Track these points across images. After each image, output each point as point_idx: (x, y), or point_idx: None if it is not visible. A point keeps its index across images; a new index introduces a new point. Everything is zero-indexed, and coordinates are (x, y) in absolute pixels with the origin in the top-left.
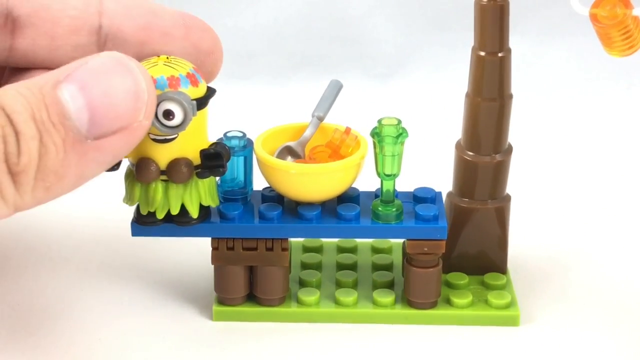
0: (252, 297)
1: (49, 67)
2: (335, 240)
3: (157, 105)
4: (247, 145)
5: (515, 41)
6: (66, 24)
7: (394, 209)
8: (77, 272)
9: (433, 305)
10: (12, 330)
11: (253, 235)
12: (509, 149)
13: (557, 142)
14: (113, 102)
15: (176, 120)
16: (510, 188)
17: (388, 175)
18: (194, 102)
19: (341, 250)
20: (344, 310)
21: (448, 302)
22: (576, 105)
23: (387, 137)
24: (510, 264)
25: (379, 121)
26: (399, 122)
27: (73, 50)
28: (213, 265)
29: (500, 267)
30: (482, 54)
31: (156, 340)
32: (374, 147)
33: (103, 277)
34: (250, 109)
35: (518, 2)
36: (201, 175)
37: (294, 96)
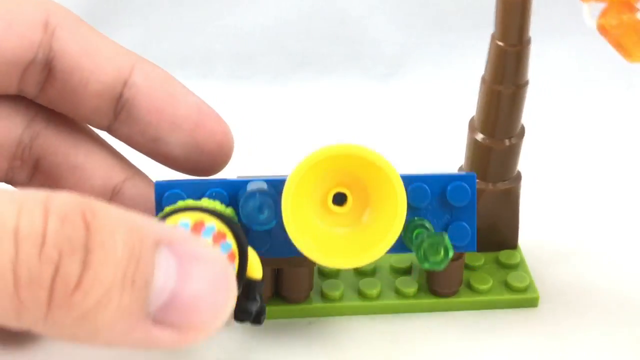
0: (276, 294)
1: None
2: None
3: None
4: (277, 211)
5: None
6: (94, 88)
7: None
8: None
9: (455, 292)
10: (10, 330)
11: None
12: (522, 132)
13: (557, 142)
14: (196, 305)
15: None
16: (527, 183)
17: None
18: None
19: None
20: (369, 303)
21: (469, 287)
22: (576, 105)
23: (434, 262)
24: (521, 241)
25: (424, 244)
26: (446, 251)
27: (91, 112)
28: None
29: (511, 242)
30: (501, 44)
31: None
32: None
33: None
34: (250, 109)
35: None
36: (239, 321)
37: (294, 96)
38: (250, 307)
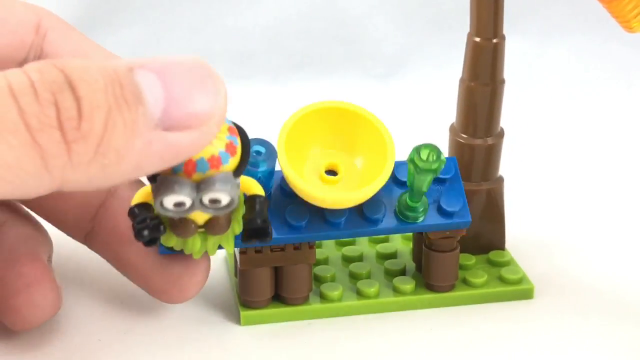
0: (275, 298)
1: None
2: None
3: (202, 193)
4: (272, 157)
5: (515, 41)
6: None
7: (421, 209)
8: (84, 276)
9: (452, 287)
10: (11, 330)
11: (281, 243)
12: (501, 133)
13: (558, 141)
14: (192, 99)
15: (222, 204)
16: (517, 184)
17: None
18: (238, 180)
19: (341, 243)
20: (368, 302)
21: (465, 282)
22: (576, 105)
23: (426, 172)
24: (508, 242)
25: (417, 150)
26: (438, 153)
27: None
28: (238, 269)
29: (499, 245)
30: (477, 39)
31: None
32: (409, 167)
33: (107, 285)
34: (250, 109)
35: (518, 2)
36: (247, 243)
37: (294, 96)
38: (254, 221)
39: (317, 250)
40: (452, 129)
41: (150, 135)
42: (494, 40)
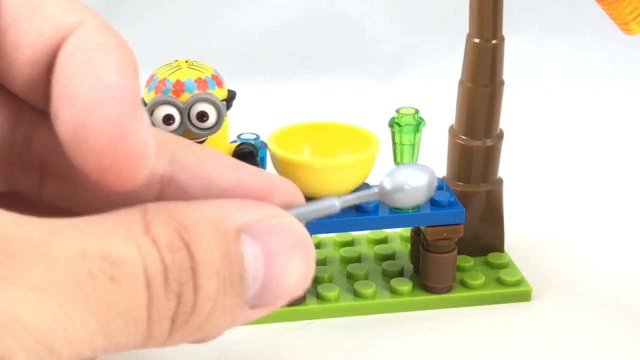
0: None
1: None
2: (332, 235)
3: (190, 107)
4: (261, 147)
5: (515, 40)
6: (26, 53)
7: None
8: None
9: (449, 289)
10: None
11: None
12: (500, 135)
13: (557, 143)
14: (287, 282)
15: (210, 122)
16: (516, 186)
17: None
18: (224, 102)
19: (340, 244)
20: (365, 302)
21: (462, 284)
22: (576, 105)
23: (407, 126)
24: (507, 244)
25: (398, 111)
26: (417, 111)
27: (25, 88)
28: None
29: (498, 247)
30: (477, 41)
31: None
32: (393, 137)
33: None
34: (250, 109)
35: (518, 2)
36: None
37: (294, 96)
38: (243, 147)
39: (316, 251)
40: (452, 130)
41: (237, 315)
42: (493, 42)
